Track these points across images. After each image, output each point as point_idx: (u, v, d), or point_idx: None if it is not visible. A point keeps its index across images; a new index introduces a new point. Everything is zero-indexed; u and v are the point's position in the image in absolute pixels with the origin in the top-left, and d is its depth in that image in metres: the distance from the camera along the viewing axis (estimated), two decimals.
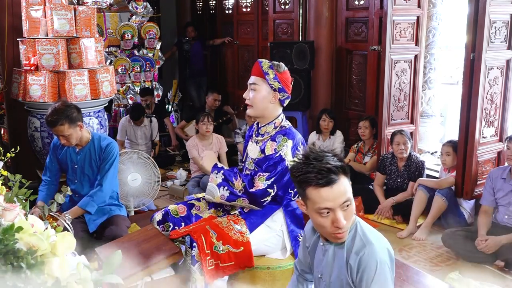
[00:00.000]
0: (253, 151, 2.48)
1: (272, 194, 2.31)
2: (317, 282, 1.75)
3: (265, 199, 2.32)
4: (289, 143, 2.31)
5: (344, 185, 1.51)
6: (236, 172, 2.41)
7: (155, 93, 6.62)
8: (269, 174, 2.29)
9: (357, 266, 1.53)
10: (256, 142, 2.47)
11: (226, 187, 2.35)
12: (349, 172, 1.56)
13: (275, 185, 2.29)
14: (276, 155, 2.30)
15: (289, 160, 2.29)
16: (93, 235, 2.98)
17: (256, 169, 2.38)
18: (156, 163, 4.06)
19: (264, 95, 2.37)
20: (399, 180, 4.16)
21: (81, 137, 2.98)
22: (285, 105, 2.46)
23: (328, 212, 1.51)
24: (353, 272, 1.54)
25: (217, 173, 2.40)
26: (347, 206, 1.52)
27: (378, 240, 1.58)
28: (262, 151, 2.39)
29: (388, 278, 1.51)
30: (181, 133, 6.07)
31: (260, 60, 2.42)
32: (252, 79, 2.40)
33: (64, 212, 2.87)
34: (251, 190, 2.30)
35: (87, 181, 3.06)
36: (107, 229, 2.90)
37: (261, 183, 2.29)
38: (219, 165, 2.46)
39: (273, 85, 2.36)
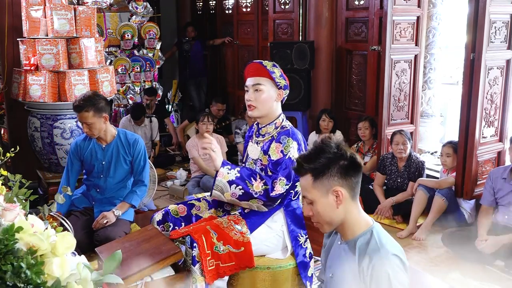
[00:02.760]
0: (253, 151, 2.47)
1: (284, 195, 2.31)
2: (328, 282, 1.72)
3: (278, 201, 2.32)
4: (294, 144, 2.30)
5: (305, 182, 1.59)
6: (257, 173, 2.32)
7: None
8: (288, 180, 2.26)
9: (370, 272, 1.50)
10: (257, 143, 2.46)
11: (240, 186, 2.25)
12: (324, 175, 1.56)
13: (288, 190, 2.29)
14: (286, 158, 2.28)
15: None
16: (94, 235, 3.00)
17: (272, 173, 2.32)
18: (156, 163, 4.07)
19: (271, 95, 2.36)
20: (399, 180, 4.16)
21: (105, 131, 3.01)
22: (283, 102, 2.46)
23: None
24: (366, 275, 1.51)
25: (230, 169, 2.27)
26: (309, 203, 1.61)
27: (393, 247, 1.56)
28: (265, 152, 2.37)
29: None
30: (181, 133, 6.06)
31: (258, 61, 2.41)
32: (255, 79, 2.35)
33: (113, 209, 2.97)
34: (271, 194, 2.25)
35: (113, 176, 3.09)
36: (101, 230, 2.91)
37: (280, 188, 2.26)
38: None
39: (279, 83, 2.35)
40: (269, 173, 2.31)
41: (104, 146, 3.06)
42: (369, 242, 1.56)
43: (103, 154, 3.06)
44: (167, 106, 7.23)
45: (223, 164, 2.29)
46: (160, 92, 6.75)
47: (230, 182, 2.25)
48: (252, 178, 2.27)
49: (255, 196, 2.25)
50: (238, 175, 2.26)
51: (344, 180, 1.56)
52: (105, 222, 2.91)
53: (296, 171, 1.64)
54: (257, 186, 2.25)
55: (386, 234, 1.62)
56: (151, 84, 6.54)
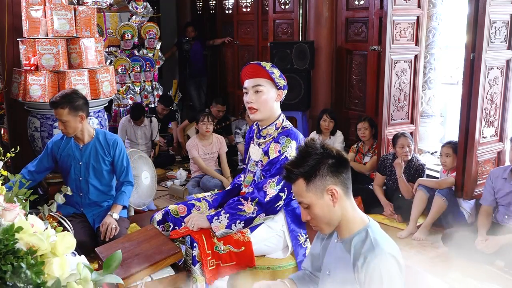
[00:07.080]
0: (255, 153, 2.46)
1: (284, 197, 2.29)
2: (324, 279, 1.73)
3: (278, 203, 2.29)
4: (293, 144, 2.30)
5: (298, 188, 1.60)
6: (239, 197, 2.33)
7: (155, 93, 6.63)
8: (278, 177, 2.25)
9: (364, 271, 1.51)
10: (258, 145, 2.44)
11: (237, 221, 2.26)
12: (316, 176, 1.56)
13: (285, 188, 2.27)
14: (282, 157, 2.28)
15: None
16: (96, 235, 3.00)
17: (264, 176, 2.34)
18: (156, 163, 4.07)
19: (271, 95, 2.35)
20: None
21: (82, 131, 2.98)
22: (281, 102, 2.46)
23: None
24: (360, 274, 1.52)
25: (217, 218, 2.25)
26: (305, 207, 1.62)
27: (388, 246, 1.56)
28: (266, 153, 2.37)
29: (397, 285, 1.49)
30: (181, 133, 6.06)
31: (256, 62, 2.40)
32: (255, 81, 2.34)
33: (109, 212, 2.96)
34: (265, 200, 2.25)
35: (93, 177, 3.04)
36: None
37: (272, 190, 2.26)
38: (209, 213, 2.36)
39: (279, 83, 2.35)
40: (261, 176, 2.34)
41: (81, 146, 3.02)
42: (364, 241, 1.57)
43: (80, 154, 3.02)
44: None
45: (210, 220, 2.28)
46: (160, 92, 6.75)
47: (228, 226, 2.26)
48: (239, 206, 2.27)
49: (254, 216, 2.27)
50: (228, 215, 2.26)
51: (336, 177, 1.58)
52: (113, 226, 2.89)
53: (287, 178, 1.63)
54: (249, 208, 2.26)
55: (382, 233, 1.62)
56: (151, 84, 6.54)
